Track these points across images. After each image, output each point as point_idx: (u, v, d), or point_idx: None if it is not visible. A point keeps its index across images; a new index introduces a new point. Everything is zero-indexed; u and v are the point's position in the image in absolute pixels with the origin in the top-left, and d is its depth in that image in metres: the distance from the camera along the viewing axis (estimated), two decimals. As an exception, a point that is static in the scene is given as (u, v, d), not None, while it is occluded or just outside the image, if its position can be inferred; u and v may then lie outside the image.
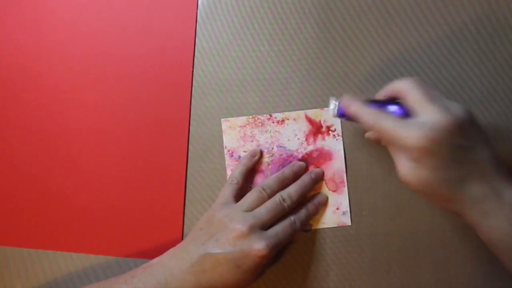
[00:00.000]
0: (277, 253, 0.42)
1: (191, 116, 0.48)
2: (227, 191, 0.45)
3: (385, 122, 0.37)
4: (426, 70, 0.47)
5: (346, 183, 0.47)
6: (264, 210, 0.42)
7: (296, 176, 0.46)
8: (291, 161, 0.47)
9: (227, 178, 0.47)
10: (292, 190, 0.44)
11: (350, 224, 0.47)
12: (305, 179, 0.46)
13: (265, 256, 0.39)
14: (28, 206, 0.48)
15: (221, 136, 0.48)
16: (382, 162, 0.47)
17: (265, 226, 0.41)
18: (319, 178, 0.47)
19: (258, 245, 0.39)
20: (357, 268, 0.47)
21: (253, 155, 0.47)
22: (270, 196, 0.44)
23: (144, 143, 0.48)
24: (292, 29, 0.48)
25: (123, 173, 0.48)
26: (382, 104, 0.41)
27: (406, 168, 0.37)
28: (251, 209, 0.42)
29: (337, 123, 0.47)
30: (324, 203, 0.47)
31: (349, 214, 0.47)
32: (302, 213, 0.45)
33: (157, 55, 0.48)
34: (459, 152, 0.36)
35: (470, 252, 0.47)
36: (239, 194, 0.45)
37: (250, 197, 0.43)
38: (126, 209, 0.48)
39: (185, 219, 0.48)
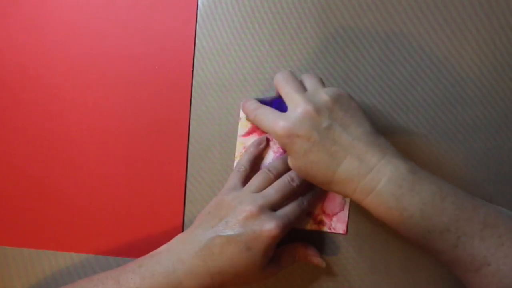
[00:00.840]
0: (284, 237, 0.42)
1: (191, 116, 0.48)
2: (235, 177, 0.44)
3: (261, 116, 0.41)
4: (426, 70, 0.47)
5: None
6: (273, 191, 0.42)
7: None
8: None
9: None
10: None
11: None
12: None
13: (276, 236, 0.39)
14: (28, 206, 0.48)
15: (221, 137, 0.48)
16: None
17: (275, 206, 0.41)
18: None
19: (269, 225, 0.39)
20: (357, 268, 0.47)
21: (259, 143, 0.47)
22: (277, 177, 0.43)
23: (144, 143, 0.48)
24: (292, 29, 0.48)
25: (123, 173, 0.48)
26: (276, 100, 0.44)
27: (288, 158, 0.41)
28: (259, 191, 0.42)
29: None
30: None
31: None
32: (310, 194, 0.45)
33: (157, 55, 0.48)
34: (326, 133, 0.38)
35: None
36: (247, 181, 0.44)
37: (257, 179, 0.43)
38: (126, 209, 0.48)
39: (185, 219, 0.48)
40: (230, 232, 0.39)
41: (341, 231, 0.47)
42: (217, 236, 0.39)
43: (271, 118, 0.39)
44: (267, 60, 0.48)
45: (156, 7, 0.48)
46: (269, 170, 0.43)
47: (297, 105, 0.38)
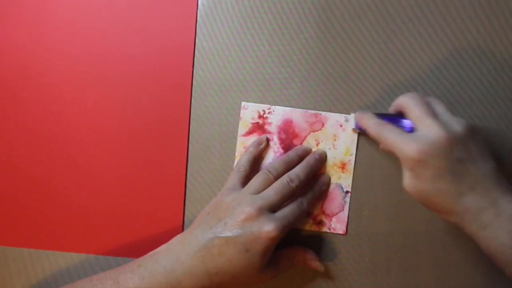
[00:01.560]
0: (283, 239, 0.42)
1: (191, 116, 0.48)
2: (234, 178, 0.44)
3: (387, 134, 0.40)
4: (426, 70, 0.47)
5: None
6: (272, 192, 0.42)
7: (300, 159, 0.46)
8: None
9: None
10: (299, 170, 0.44)
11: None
12: (309, 159, 0.46)
13: (274, 238, 0.39)
14: (28, 206, 0.48)
15: (221, 137, 0.48)
16: (383, 162, 0.47)
17: (274, 207, 0.41)
18: (323, 159, 0.47)
19: (268, 227, 0.39)
20: (357, 268, 0.47)
21: (259, 143, 0.47)
22: (276, 178, 0.43)
23: (144, 143, 0.48)
24: (292, 29, 0.48)
25: (123, 173, 0.48)
26: (395, 118, 0.43)
27: (407, 178, 0.39)
28: (258, 192, 0.42)
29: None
30: (328, 183, 0.47)
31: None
32: (309, 194, 0.45)
33: (157, 55, 0.48)
34: (456, 165, 0.38)
35: (470, 252, 0.47)
36: (246, 181, 0.44)
37: (256, 180, 0.43)
38: (126, 209, 0.48)
39: (185, 219, 0.48)
40: (228, 234, 0.39)
41: (340, 232, 0.47)
42: (216, 237, 0.39)
43: (401, 138, 0.39)
44: (267, 60, 0.48)
45: (156, 7, 0.48)
46: (268, 171, 0.43)
47: (431, 129, 0.38)
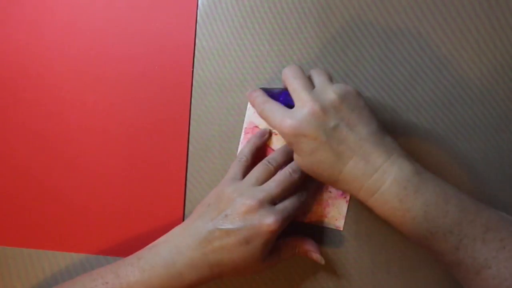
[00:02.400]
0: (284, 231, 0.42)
1: (191, 116, 0.48)
2: (236, 167, 0.44)
3: (268, 112, 0.41)
4: (426, 70, 0.47)
5: None
6: (274, 184, 0.42)
7: None
8: None
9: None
10: None
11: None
12: None
13: (275, 230, 0.39)
14: (28, 206, 0.48)
15: (221, 137, 0.48)
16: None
17: (275, 200, 0.41)
18: None
19: (269, 220, 0.39)
20: (357, 268, 0.47)
21: (262, 135, 0.47)
22: (276, 169, 0.43)
23: (144, 143, 0.48)
24: (292, 29, 0.48)
25: (123, 173, 0.48)
26: (284, 92, 0.43)
27: (294, 155, 0.41)
28: (259, 183, 0.42)
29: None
30: None
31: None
32: (310, 186, 0.45)
33: (157, 55, 0.48)
34: (331, 133, 0.38)
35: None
36: (247, 172, 0.44)
37: (257, 171, 0.43)
38: (126, 209, 0.48)
39: (185, 219, 0.48)
40: (229, 226, 0.39)
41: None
42: (217, 229, 0.39)
43: (278, 115, 0.39)
44: (267, 60, 0.48)
45: (156, 7, 0.48)
46: (269, 162, 0.43)
47: (304, 104, 0.38)
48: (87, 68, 0.48)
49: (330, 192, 0.47)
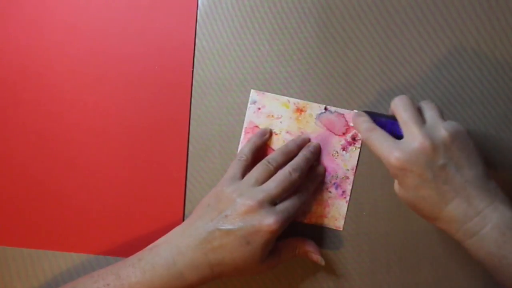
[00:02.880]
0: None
1: (191, 116, 0.48)
2: (235, 167, 0.44)
3: (375, 140, 0.40)
4: (426, 70, 0.47)
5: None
6: (273, 184, 0.42)
7: (299, 149, 0.46)
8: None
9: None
10: (300, 161, 0.44)
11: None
12: (305, 152, 0.46)
13: (275, 231, 0.39)
14: (28, 206, 0.48)
15: (221, 137, 0.48)
16: (382, 162, 0.47)
17: (275, 200, 0.41)
18: (318, 151, 0.47)
19: (269, 220, 0.39)
20: (357, 268, 0.47)
21: (263, 134, 0.47)
22: (276, 168, 0.43)
23: (144, 143, 0.48)
24: (292, 29, 0.48)
25: (123, 173, 0.48)
26: (390, 120, 0.42)
27: (395, 184, 0.40)
28: (259, 183, 0.42)
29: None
30: (324, 174, 0.47)
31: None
32: (309, 186, 0.45)
33: (157, 55, 0.48)
34: (439, 172, 0.37)
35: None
36: (247, 171, 0.44)
37: (256, 171, 0.43)
38: (126, 209, 0.48)
39: (185, 219, 0.48)
40: (229, 226, 0.39)
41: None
42: (217, 230, 0.39)
43: (386, 146, 0.39)
44: (267, 60, 0.48)
45: (156, 7, 0.48)
46: (268, 162, 0.43)
47: (414, 139, 0.38)
48: (87, 68, 0.48)
49: (330, 192, 0.47)
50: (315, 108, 0.47)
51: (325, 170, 0.47)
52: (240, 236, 0.39)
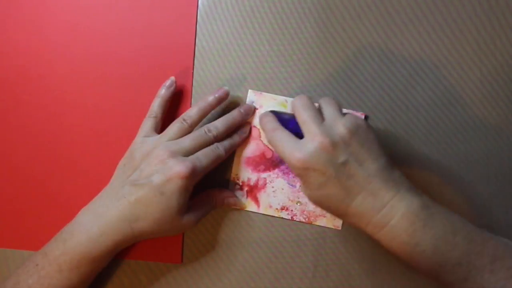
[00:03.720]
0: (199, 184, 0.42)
1: (191, 116, 0.48)
2: (147, 124, 0.44)
3: (277, 141, 0.40)
4: (426, 70, 0.47)
5: None
6: (187, 139, 0.42)
7: (219, 104, 0.45)
8: None
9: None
10: (219, 122, 0.44)
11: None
12: (234, 113, 0.45)
13: (185, 177, 0.39)
14: (29, 208, 0.48)
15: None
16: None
17: (188, 153, 0.41)
18: (249, 113, 0.46)
19: (178, 167, 0.39)
20: (357, 268, 0.47)
21: (170, 86, 0.46)
22: (192, 126, 0.43)
23: (144, 144, 0.47)
24: (292, 29, 0.48)
25: (123, 173, 0.48)
26: (292, 118, 0.42)
27: (301, 185, 0.40)
28: (173, 140, 0.42)
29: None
30: (248, 132, 0.47)
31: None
32: (227, 140, 0.44)
33: (157, 55, 0.47)
34: (340, 168, 0.38)
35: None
36: (159, 127, 0.45)
37: (171, 129, 0.43)
38: (126, 209, 0.48)
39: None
40: (144, 180, 0.40)
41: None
42: (133, 185, 0.40)
43: (287, 147, 0.39)
44: (267, 60, 0.48)
45: (156, 7, 0.48)
46: (184, 120, 0.43)
47: (313, 137, 0.38)
48: (88, 69, 0.48)
49: None
50: None
51: (250, 128, 0.47)
52: (154, 187, 0.39)
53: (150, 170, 0.40)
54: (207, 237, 0.47)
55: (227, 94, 0.45)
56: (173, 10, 0.47)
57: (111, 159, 0.46)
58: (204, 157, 0.41)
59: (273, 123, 0.42)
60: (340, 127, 0.38)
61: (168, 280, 0.47)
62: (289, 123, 0.42)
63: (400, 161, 0.47)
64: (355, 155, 0.38)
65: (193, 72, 0.48)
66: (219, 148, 0.43)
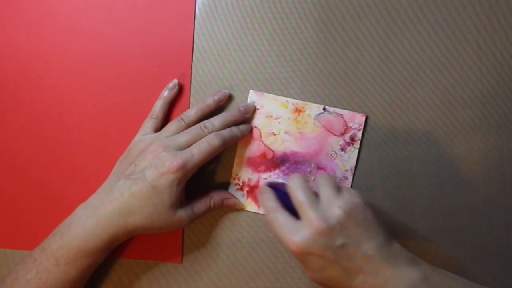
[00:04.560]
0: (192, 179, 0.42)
1: (191, 116, 0.48)
2: (147, 125, 0.45)
3: (275, 223, 0.40)
4: (426, 70, 0.47)
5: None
6: (182, 135, 0.42)
7: (217, 106, 0.46)
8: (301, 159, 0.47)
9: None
10: (215, 119, 0.44)
11: None
12: (232, 110, 0.46)
13: (176, 171, 0.39)
14: (28, 208, 0.47)
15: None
16: (382, 161, 0.47)
17: (183, 148, 0.41)
18: (249, 112, 0.47)
19: (169, 161, 0.40)
20: (357, 268, 0.47)
21: (172, 88, 0.46)
22: (189, 125, 0.44)
23: (144, 144, 0.47)
24: (292, 29, 0.48)
25: (123, 173, 0.47)
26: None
27: (305, 268, 0.40)
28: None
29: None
30: (249, 130, 0.47)
31: None
32: (224, 132, 0.44)
33: (156, 55, 0.47)
34: (339, 251, 0.37)
35: (469, 253, 0.47)
36: (160, 128, 0.45)
37: (169, 127, 0.44)
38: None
39: (185, 219, 0.48)
40: (138, 175, 0.40)
41: None
42: (127, 180, 0.40)
43: (285, 231, 0.39)
44: (267, 60, 0.48)
45: (155, 7, 0.47)
46: (181, 119, 0.44)
47: (310, 223, 0.38)
48: (87, 69, 0.48)
49: None
50: (314, 109, 0.47)
51: (251, 127, 0.47)
52: (147, 181, 0.40)
53: (144, 164, 0.41)
54: (207, 237, 0.48)
55: (226, 98, 0.46)
56: (172, 10, 0.47)
57: (110, 159, 0.46)
58: (198, 151, 0.41)
59: (272, 202, 0.42)
60: (336, 209, 0.38)
61: (168, 280, 0.47)
62: (287, 198, 0.41)
63: (400, 163, 0.47)
64: (352, 237, 0.38)
65: (191, 72, 0.48)
66: (214, 139, 0.42)
